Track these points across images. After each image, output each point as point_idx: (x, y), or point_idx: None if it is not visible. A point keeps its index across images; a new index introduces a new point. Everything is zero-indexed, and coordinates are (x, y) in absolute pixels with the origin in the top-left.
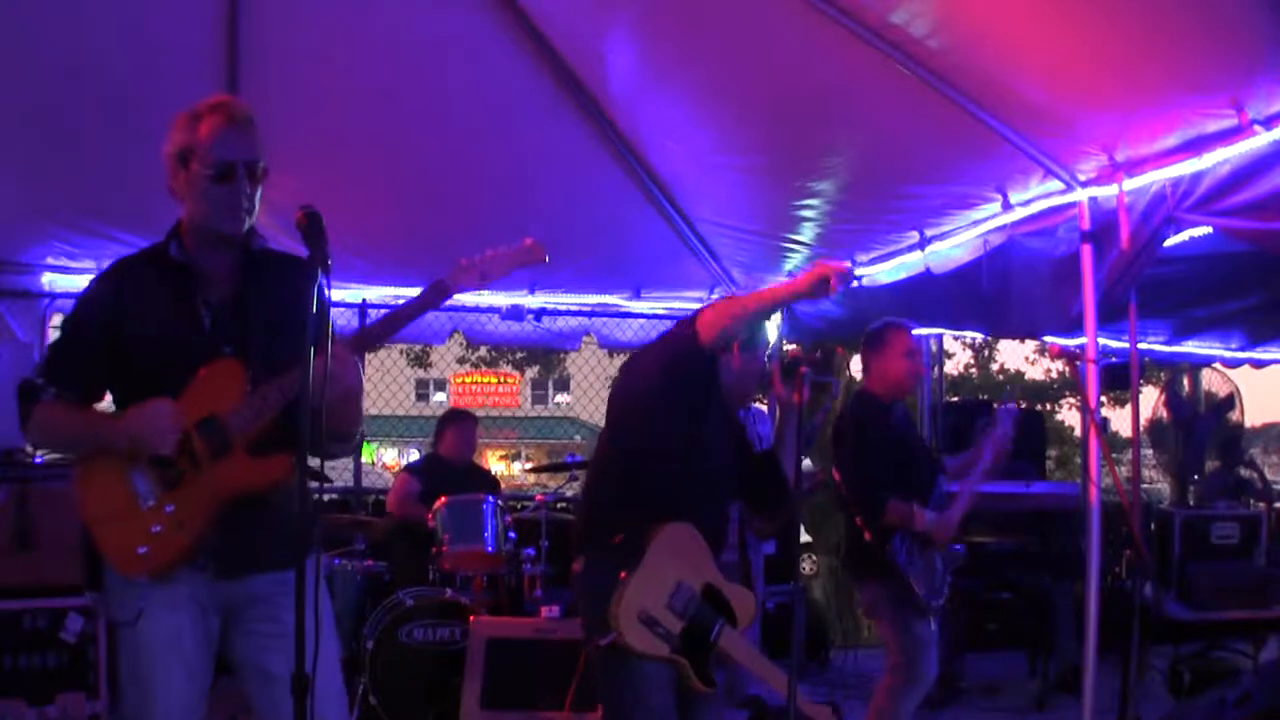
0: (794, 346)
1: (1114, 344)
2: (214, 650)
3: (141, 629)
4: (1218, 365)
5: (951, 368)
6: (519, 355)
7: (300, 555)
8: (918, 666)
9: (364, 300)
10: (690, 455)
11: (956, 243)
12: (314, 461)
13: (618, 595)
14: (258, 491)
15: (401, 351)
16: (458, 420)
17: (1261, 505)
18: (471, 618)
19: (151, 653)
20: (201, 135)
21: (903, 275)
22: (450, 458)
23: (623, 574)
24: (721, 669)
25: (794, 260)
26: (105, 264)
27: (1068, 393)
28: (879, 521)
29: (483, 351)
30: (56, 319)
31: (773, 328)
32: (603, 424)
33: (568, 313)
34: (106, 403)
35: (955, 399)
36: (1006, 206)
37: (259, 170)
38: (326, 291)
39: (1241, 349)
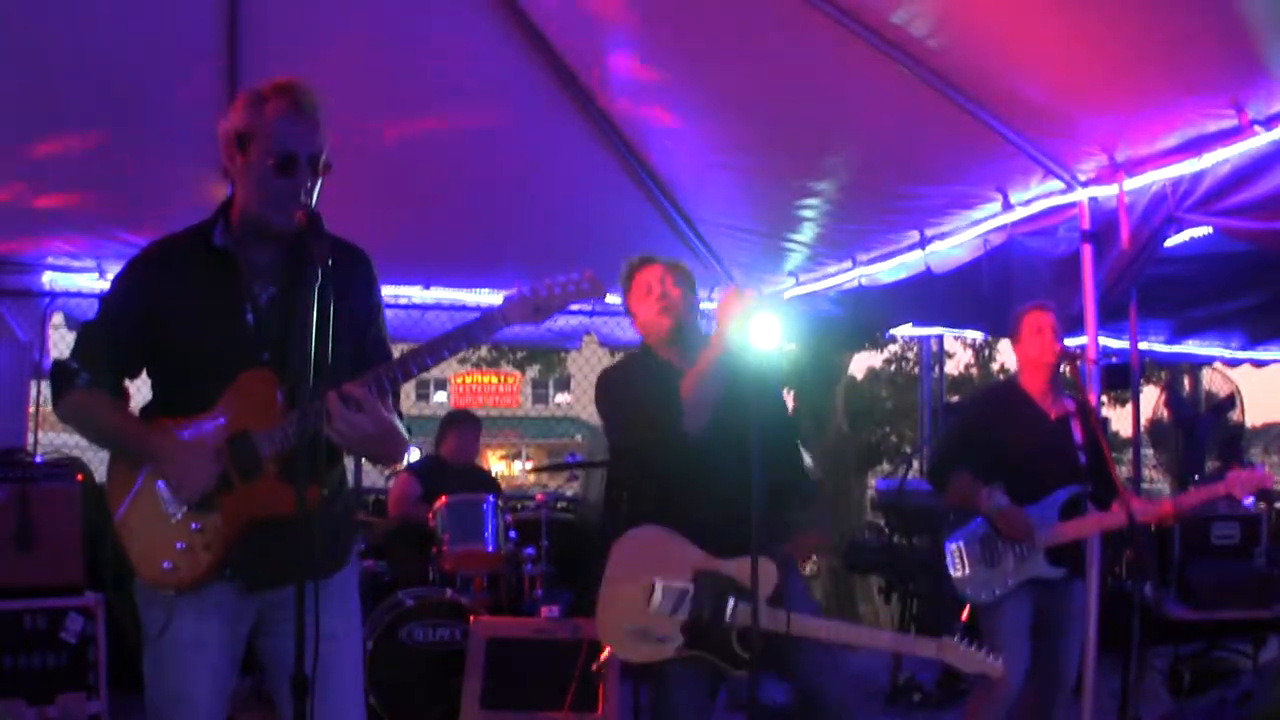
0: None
1: (1114, 344)
2: (239, 656)
3: (167, 635)
4: (1218, 365)
5: (951, 368)
6: (519, 355)
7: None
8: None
9: None
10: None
11: (956, 243)
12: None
13: (598, 622)
14: (286, 516)
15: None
16: (461, 423)
17: (1262, 505)
18: (471, 618)
19: (177, 659)
20: (266, 119)
21: (903, 275)
22: (451, 460)
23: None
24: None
25: (794, 260)
26: (106, 263)
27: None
28: (944, 494)
29: (483, 351)
30: (57, 318)
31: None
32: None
33: (568, 312)
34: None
35: (955, 399)
36: (1007, 206)
37: (321, 164)
38: (379, 296)
39: (1241, 349)
